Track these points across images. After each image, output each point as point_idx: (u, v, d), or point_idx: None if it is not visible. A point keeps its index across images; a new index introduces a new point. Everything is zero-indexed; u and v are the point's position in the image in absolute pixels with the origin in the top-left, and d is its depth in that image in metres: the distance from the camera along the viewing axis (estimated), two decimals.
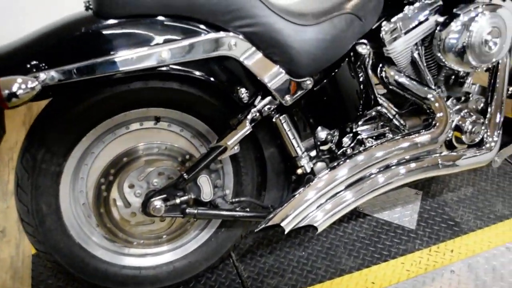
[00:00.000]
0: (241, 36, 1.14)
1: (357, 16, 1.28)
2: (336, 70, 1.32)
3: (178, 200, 1.27)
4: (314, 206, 1.32)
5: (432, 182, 1.90)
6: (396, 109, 1.49)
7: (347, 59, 1.33)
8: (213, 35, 1.11)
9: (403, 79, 1.43)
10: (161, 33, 1.07)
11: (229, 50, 1.13)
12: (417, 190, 1.85)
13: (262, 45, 1.17)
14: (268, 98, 1.24)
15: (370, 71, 1.40)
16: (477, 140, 1.54)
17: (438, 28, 1.39)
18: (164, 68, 1.09)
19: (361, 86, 1.40)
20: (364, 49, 1.32)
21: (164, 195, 1.26)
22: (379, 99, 1.44)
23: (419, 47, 1.44)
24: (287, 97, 1.24)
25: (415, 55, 1.44)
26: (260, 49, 1.17)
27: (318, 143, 1.39)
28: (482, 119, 1.53)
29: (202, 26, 1.11)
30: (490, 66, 1.57)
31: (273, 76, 1.21)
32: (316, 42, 1.22)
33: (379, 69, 1.44)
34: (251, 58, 1.17)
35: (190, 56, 1.09)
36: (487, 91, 1.59)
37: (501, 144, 1.61)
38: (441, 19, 1.40)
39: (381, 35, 1.37)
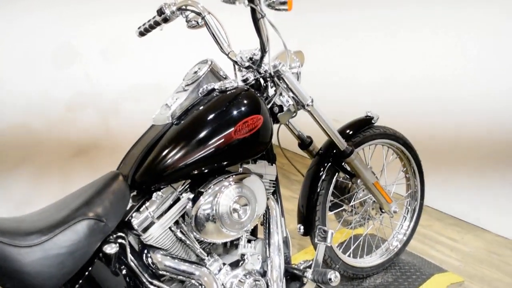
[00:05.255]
0: None
1: (98, 219, 1.27)
2: (86, 274, 1.29)
3: None
4: None
5: None
6: None
7: (96, 260, 1.31)
8: None
9: (169, 261, 1.43)
10: None
11: None
12: None
13: None
14: None
15: (133, 262, 1.39)
16: None
17: (188, 205, 1.44)
18: None
19: (126, 279, 1.37)
20: (112, 248, 1.30)
21: None
22: (149, 285, 1.41)
23: (181, 225, 1.48)
24: None
25: (179, 233, 1.47)
26: None
27: None
28: (260, 278, 1.56)
29: None
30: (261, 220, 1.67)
31: None
32: (48, 260, 1.18)
33: (144, 256, 1.44)
34: None
35: None
36: (264, 244, 1.66)
37: None
38: (192, 196, 1.46)
39: (134, 226, 1.39)
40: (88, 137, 3.05)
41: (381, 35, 3.03)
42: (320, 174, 1.98)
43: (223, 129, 1.46)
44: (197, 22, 1.69)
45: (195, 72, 1.60)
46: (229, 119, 1.47)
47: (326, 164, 1.98)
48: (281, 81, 1.69)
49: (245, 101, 1.52)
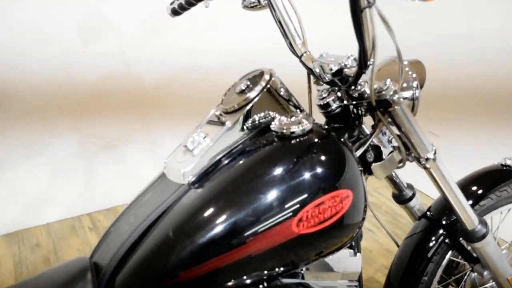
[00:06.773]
0: None
1: None
2: None
3: None
4: None
5: None
6: None
7: None
8: None
9: None
10: None
11: None
12: None
13: None
14: None
15: None
16: None
17: None
18: None
19: None
20: None
21: None
22: None
23: None
24: None
25: None
26: None
27: None
28: None
29: None
30: None
31: None
32: None
33: None
34: None
35: None
36: None
37: None
38: None
39: None
40: (121, 130, 2.53)
41: None
42: (427, 249, 1.28)
43: (278, 216, 0.80)
44: (258, 1, 1.07)
45: (243, 91, 0.94)
46: (290, 199, 0.81)
47: (438, 238, 1.28)
48: (386, 116, 0.99)
49: (324, 163, 0.85)
